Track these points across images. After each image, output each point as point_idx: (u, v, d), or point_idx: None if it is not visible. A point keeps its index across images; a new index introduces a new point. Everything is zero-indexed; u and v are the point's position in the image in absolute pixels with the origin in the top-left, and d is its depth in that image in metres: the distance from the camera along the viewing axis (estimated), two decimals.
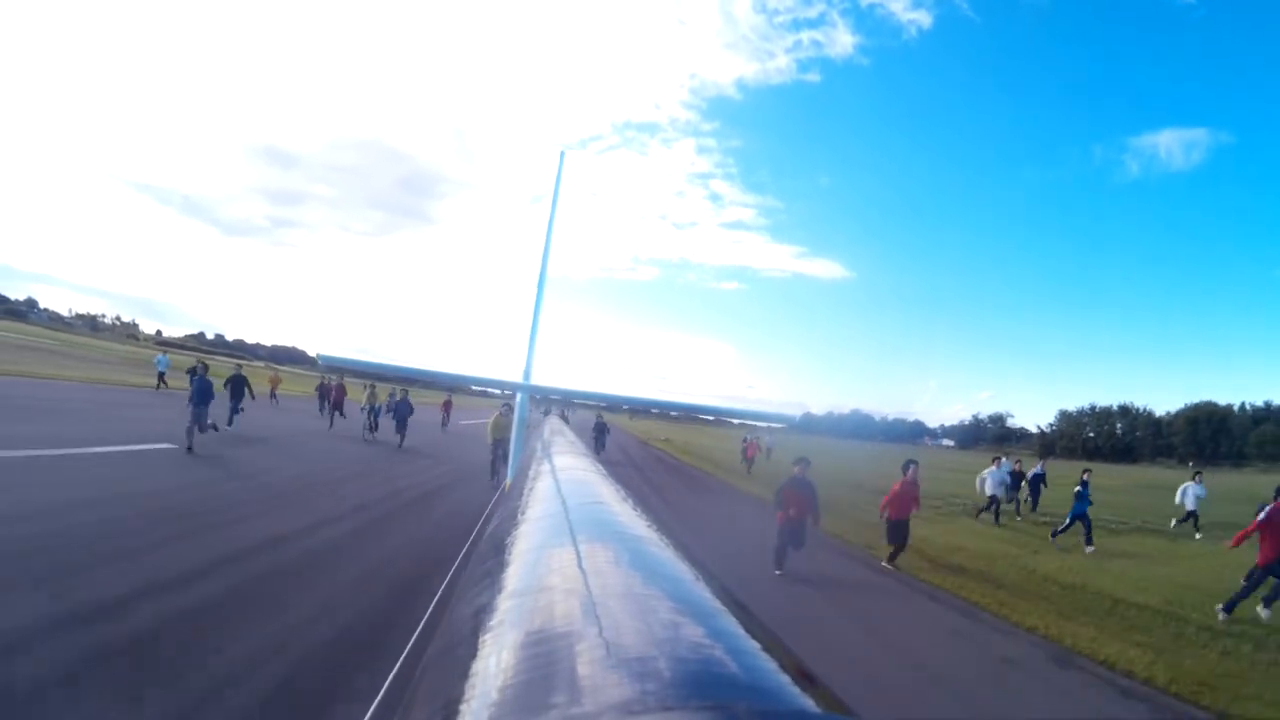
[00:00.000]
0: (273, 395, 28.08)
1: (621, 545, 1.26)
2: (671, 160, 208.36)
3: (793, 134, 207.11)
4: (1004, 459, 17.08)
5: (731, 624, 0.83)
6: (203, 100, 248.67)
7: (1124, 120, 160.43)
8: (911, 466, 9.63)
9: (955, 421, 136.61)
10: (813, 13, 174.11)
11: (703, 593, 0.98)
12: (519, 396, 5.67)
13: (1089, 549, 12.06)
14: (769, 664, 0.69)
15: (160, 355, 27.16)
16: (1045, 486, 17.39)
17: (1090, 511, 12.51)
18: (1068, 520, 12.71)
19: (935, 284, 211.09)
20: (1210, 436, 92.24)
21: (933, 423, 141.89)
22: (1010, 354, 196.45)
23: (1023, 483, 17.36)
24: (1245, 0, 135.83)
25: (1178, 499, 15.62)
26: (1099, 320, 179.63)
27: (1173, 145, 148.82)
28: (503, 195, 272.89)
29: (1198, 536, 14.69)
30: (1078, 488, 12.63)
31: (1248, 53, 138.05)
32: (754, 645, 0.75)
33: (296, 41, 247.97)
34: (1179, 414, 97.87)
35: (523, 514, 1.74)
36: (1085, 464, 19.26)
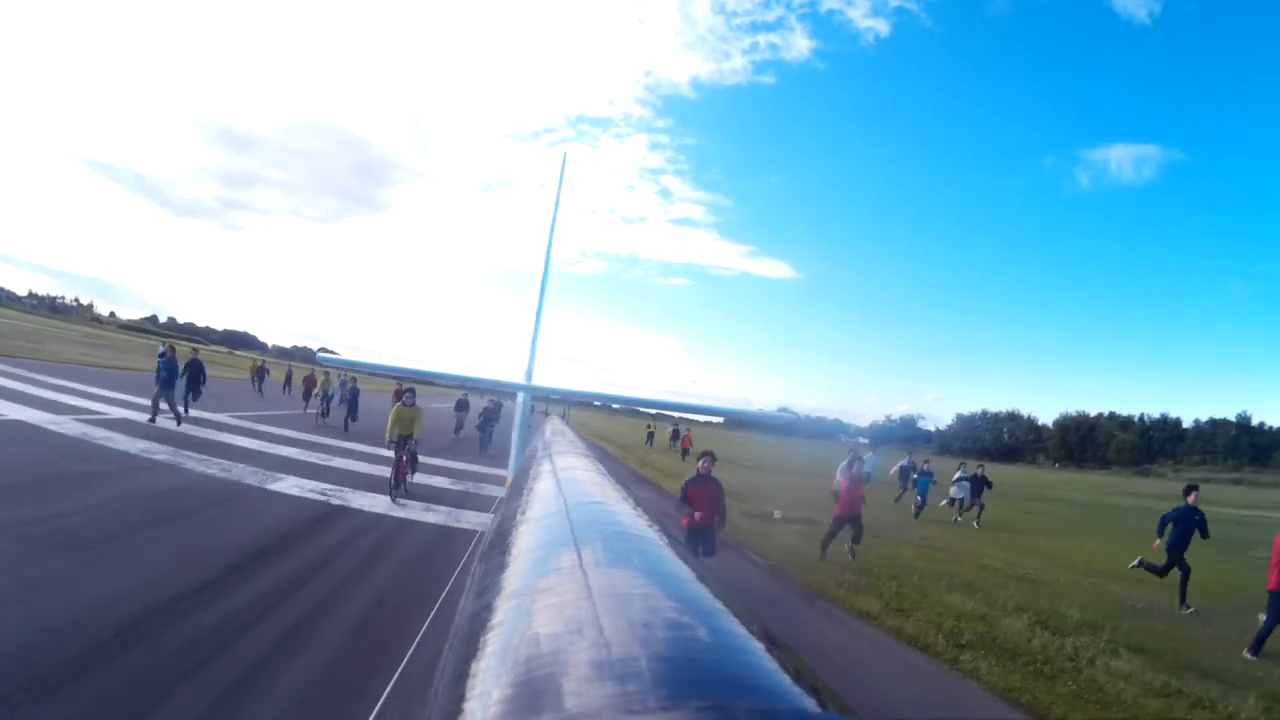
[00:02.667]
0: (253, 380, 32.59)
1: (622, 545, 1.27)
2: (623, 155, 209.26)
3: (745, 134, 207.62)
4: (856, 453, 22.46)
5: (731, 624, 0.82)
6: (157, 77, 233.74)
7: (1076, 133, 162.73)
8: (856, 464, 9.71)
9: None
10: (771, 16, 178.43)
11: (703, 593, 0.97)
12: (521, 395, 5.65)
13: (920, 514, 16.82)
14: (769, 664, 0.69)
15: (162, 346, 30.98)
16: (934, 483, 19.22)
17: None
18: (919, 499, 17.97)
19: (883, 288, 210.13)
20: (1078, 442, 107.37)
21: (866, 423, 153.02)
22: (955, 358, 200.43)
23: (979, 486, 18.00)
24: (1199, 23, 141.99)
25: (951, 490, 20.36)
26: (1045, 326, 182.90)
27: (1123, 160, 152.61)
28: (454, 184, 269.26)
29: (957, 520, 18.68)
30: (915, 475, 18.67)
31: (1202, 73, 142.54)
32: (754, 645, 0.74)
33: (255, 21, 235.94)
34: (1056, 421, 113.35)
35: (523, 514, 1.72)
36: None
